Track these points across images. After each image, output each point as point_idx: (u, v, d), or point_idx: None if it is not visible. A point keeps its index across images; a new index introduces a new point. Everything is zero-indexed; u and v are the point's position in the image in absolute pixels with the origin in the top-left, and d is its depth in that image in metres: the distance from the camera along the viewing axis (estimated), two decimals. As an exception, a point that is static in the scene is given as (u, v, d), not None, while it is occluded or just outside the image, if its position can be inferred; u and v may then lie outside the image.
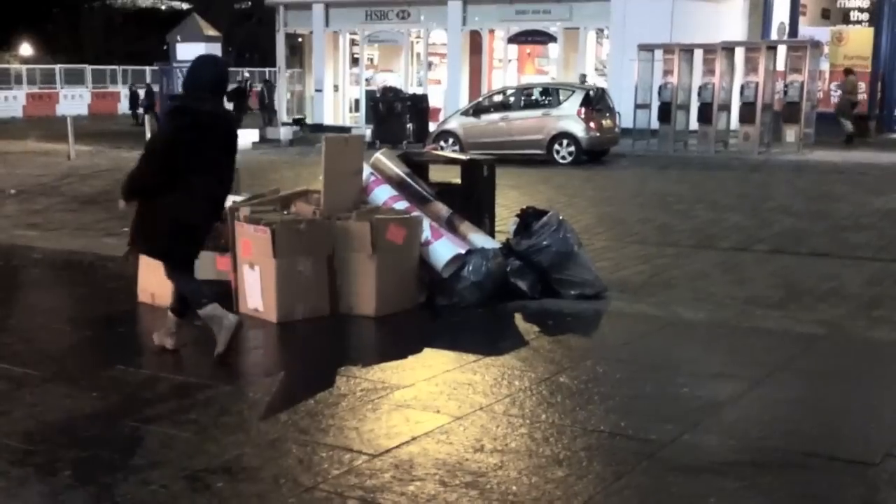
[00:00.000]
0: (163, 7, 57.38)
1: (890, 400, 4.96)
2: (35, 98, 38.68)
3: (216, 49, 24.79)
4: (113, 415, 4.61)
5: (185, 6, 51.90)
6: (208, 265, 6.57)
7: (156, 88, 29.11)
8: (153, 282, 6.64)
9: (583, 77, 24.18)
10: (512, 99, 20.06)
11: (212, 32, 24.83)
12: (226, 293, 6.47)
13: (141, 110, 32.48)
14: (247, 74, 37.02)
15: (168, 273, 5.61)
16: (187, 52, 24.35)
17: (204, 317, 5.50)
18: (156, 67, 30.24)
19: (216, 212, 5.67)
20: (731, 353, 5.80)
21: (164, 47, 25.86)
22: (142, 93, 33.83)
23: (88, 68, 41.82)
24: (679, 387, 5.07)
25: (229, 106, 29.27)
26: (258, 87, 31.83)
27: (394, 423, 4.49)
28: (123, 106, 39.79)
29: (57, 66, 41.41)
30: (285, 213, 6.81)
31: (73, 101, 38.87)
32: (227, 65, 5.98)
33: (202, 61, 5.62)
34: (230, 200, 6.96)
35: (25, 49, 49.49)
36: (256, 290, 6.34)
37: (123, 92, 41.04)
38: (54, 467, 3.95)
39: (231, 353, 5.55)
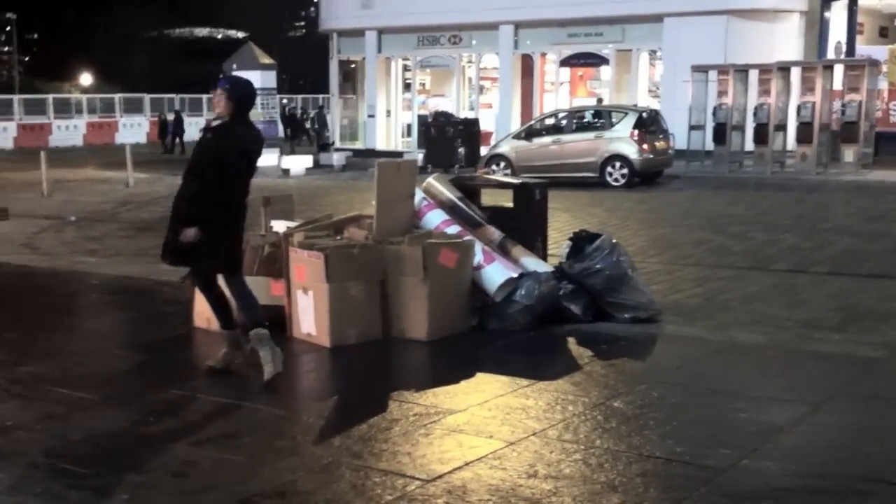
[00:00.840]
0: (219, 36, 58.50)
1: (956, 426, 4.82)
2: (95, 127, 39.56)
3: (271, 77, 25.20)
4: (168, 438, 4.66)
5: (240, 35, 52.86)
6: (262, 290, 6.63)
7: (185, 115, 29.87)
8: (208, 307, 6.71)
9: (599, 100, 24.14)
10: (564, 122, 20.03)
11: (267, 60, 25.21)
12: (279, 318, 6.53)
13: (170, 137, 33.05)
14: (285, 101, 37.47)
15: (233, 284, 5.73)
16: (243, 79, 24.77)
17: (256, 337, 5.57)
18: (212, 95, 30.76)
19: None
20: (788, 377, 5.69)
21: (220, 75, 26.32)
22: (170, 116, 34.41)
23: (147, 97, 42.70)
24: (736, 411, 4.98)
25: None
26: (310, 113, 32.18)
27: (446, 448, 4.47)
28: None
29: (116, 96, 42.33)
30: (338, 238, 6.86)
31: (132, 130, 39.70)
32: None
33: (246, 83, 5.85)
34: (284, 226, 7.06)
35: (86, 79, 50.72)
36: (310, 315, 6.38)
37: (186, 119, 41.89)
38: (111, 490, 4.00)
39: (284, 377, 5.58)
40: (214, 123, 5.73)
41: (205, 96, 40.44)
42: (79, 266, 9.79)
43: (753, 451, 4.36)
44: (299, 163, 23.15)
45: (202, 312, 6.82)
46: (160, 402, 5.23)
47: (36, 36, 62.41)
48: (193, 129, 38.09)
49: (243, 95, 5.73)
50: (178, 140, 32.73)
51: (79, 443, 4.60)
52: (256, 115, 25.03)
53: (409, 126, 29.03)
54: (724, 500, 3.87)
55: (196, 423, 4.91)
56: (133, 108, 42.05)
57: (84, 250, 10.93)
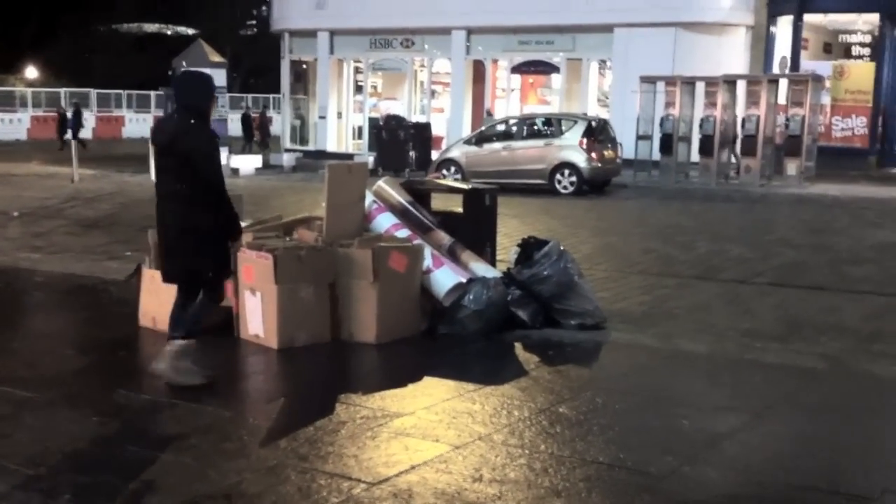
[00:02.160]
0: (169, 32, 57.78)
1: (890, 434, 4.96)
2: (39, 121, 38.86)
3: (222, 76, 24.96)
4: (114, 439, 4.62)
5: (190, 31, 52.28)
6: (210, 290, 6.59)
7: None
8: (154, 306, 6.66)
9: (488, 112, 24.48)
10: (514, 128, 20.17)
11: (217, 58, 24.97)
12: (227, 319, 6.49)
13: (70, 131, 30.95)
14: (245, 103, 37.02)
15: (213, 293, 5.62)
16: (193, 77, 24.51)
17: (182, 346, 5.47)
18: (161, 92, 30.40)
19: None
20: (731, 385, 5.80)
21: (170, 72, 26.01)
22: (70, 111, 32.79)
23: (93, 92, 42.04)
24: (679, 419, 5.07)
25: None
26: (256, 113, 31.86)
27: (393, 451, 4.49)
28: (128, 130, 39.99)
29: (62, 90, 41.62)
30: (287, 239, 6.84)
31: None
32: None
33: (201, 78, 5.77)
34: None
35: (31, 72, 49.78)
36: (258, 317, 6.35)
37: (128, 116, 41.25)
38: (56, 491, 3.95)
39: (232, 379, 5.55)
40: None
41: (153, 93, 39.90)
42: (22, 263, 9.62)
43: (695, 459, 4.44)
44: (249, 163, 22.98)
45: (148, 312, 6.77)
46: (107, 403, 5.17)
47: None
48: (142, 125, 37.64)
49: None
50: (73, 135, 30.44)
51: (24, 443, 4.53)
52: (206, 113, 24.88)
53: (360, 128, 28.99)
54: (665, 506, 3.94)
55: (142, 425, 4.87)
56: (79, 103, 41.35)
57: (28, 246, 10.74)
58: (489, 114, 25.50)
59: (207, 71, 25.01)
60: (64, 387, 5.50)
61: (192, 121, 5.43)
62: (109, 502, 3.86)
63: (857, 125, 24.29)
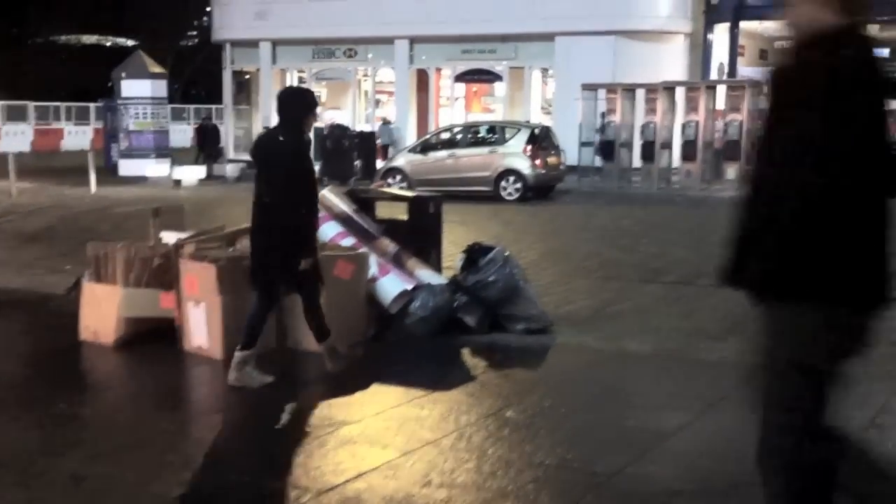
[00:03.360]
0: (108, 43, 56.94)
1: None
2: (-25, 135, 37.99)
3: (162, 86, 24.70)
4: (56, 452, 4.52)
5: (130, 43, 51.57)
6: (152, 302, 6.51)
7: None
8: (95, 319, 6.56)
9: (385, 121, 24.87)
10: (459, 136, 20.23)
11: (157, 69, 24.72)
12: (169, 331, 6.41)
13: None
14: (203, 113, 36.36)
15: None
16: (132, 88, 24.24)
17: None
18: (100, 104, 29.95)
19: None
20: (676, 384, 5.88)
21: (109, 84, 25.66)
22: None
23: (31, 105, 41.25)
24: (625, 418, 5.13)
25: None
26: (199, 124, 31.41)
27: (340, 459, 4.47)
28: (67, 143, 39.27)
29: (-2, 103, 40.78)
30: (231, 249, 6.78)
31: (16, 138, 38.21)
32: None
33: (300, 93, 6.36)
34: (174, 237, 6.94)
35: (-34, 85, 48.68)
36: (202, 327, 6.28)
37: (67, 128, 40.52)
38: (-7, 509, 3.87)
39: (176, 390, 5.48)
40: None
41: (92, 105, 39.24)
42: (-43, 278, 9.39)
43: (641, 457, 4.49)
44: (192, 173, 22.72)
45: (88, 325, 6.66)
46: (49, 416, 5.07)
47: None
48: (82, 138, 37.00)
49: None
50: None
51: (-42, 460, 4.43)
52: (146, 124, 24.61)
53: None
54: (614, 503, 3.98)
55: (86, 438, 4.79)
56: (16, 116, 40.55)
57: (-37, 262, 10.49)
58: (385, 122, 25.82)
59: (147, 81, 24.66)
60: (5, 400, 5.38)
61: (288, 135, 5.59)
62: (50, 518, 3.79)
63: (794, 129, 24.75)
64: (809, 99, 2.79)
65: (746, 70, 24.70)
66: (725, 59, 25.26)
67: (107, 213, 15.83)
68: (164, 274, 6.55)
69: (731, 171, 20.95)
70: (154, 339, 6.46)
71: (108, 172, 23.68)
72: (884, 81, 2.92)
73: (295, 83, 29.20)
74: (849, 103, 2.76)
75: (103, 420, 5.08)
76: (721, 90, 21.80)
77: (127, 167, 23.97)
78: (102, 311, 6.53)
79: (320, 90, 30.03)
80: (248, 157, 28.39)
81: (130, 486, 4.11)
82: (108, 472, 4.26)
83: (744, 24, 25.05)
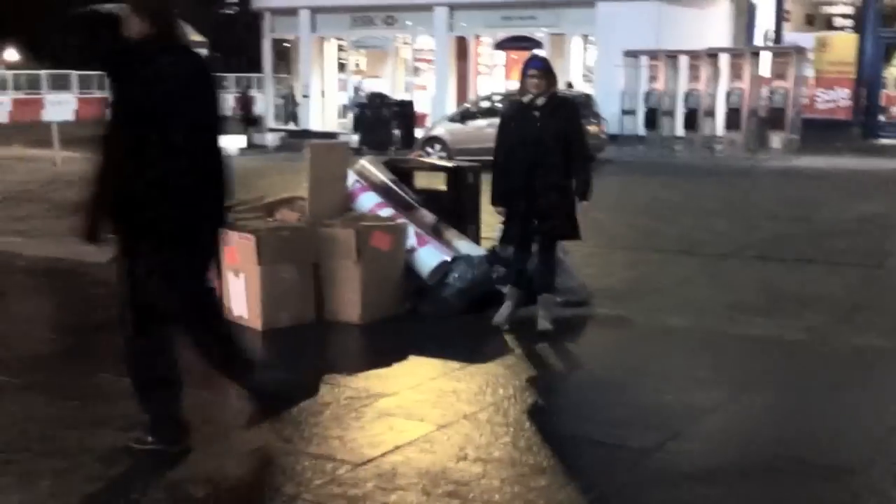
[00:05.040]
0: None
1: (873, 406, 4.97)
2: (20, 104, 38.45)
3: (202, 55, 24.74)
4: (95, 423, 4.58)
5: (171, 11, 51.68)
6: (192, 273, 6.54)
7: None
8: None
9: (569, 84, 24.26)
10: (499, 105, 20.08)
11: (198, 38, 24.81)
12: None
13: None
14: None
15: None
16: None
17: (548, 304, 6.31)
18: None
19: None
20: (715, 359, 5.82)
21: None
22: None
23: (74, 73, 41.61)
24: (663, 394, 5.08)
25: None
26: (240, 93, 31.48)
27: (377, 431, 4.48)
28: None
29: (42, 72, 41.18)
30: (270, 220, 6.79)
31: (60, 107, 38.55)
32: None
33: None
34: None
35: (11, 54, 49.25)
36: (241, 298, 6.32)
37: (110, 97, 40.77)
38: (34, 477, 3.93)
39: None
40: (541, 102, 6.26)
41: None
42: (4, 247, 9.53)
43: (679, 434, 4.45)
44: (232, 143, 22.81)
45: (130, 295, 6.71)
46: (88, 387, 5.14)
47: (-43, 9, 60.33)
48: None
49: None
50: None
51: (2, 427, 4.50)
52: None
53: (344, 107, 28.82)
54: (649, 482, 3.96)
55: (125, 409, 4.83)
56: (60, 84, 40.94)
57: (10, 230, 10.65)
58: (570, 84, 25.10)
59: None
60: (44, 370, 5.47)
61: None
62: (89, 486, 3.84)
63: (841, 97, 24.29)
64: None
65: (792, 36, 24.21)
66: (771, 25, 24.77)
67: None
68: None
69: (777, 139, 20.64)
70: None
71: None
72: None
73: (334, 51, 29.18)
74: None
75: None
76: (766, 57, 21.43)
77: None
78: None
79: (359, 58, 29.99)
80: (287, 126, 28.58)
81: (168, 455, 4.15)
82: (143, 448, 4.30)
83: (790, -10, 24.55)
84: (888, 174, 17.13)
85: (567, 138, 6.20)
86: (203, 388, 5.18)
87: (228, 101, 29.23)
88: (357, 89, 26.72)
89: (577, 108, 6.64)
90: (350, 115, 25.33)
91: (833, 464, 4.12)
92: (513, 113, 6.46)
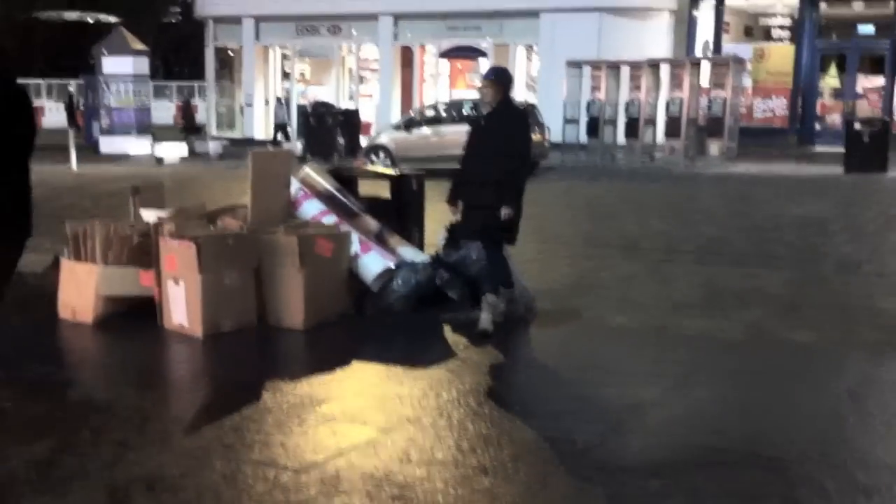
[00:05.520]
0: (90, 19, 56.35)
1: (808, 399, 5.08)
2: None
3: (144, 63, 24.47)
4: (33, 430, 4.49)
5: (112, 19, 51.05)
6: (131, 280, 6.48)
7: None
8: (74, 297, 6.52)
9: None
10: (444, 113, 20.16)
11: (139, 46, 24.50)
12: (149, 309, 6.38)
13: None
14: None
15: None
16: (114, 65, 24.02)
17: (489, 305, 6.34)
18: (81, 81, 29.65)
19: None
20: (657, 355, 5.90)
21: (91, 60, 25.40)
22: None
23: (11, 82, 40.74)
24: (606, 388, 5.15)
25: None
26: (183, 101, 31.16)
27: (320, 437, 4.46)
28: (48, 120, 38.87)
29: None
30: (211, 227, 6.73)
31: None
32: None
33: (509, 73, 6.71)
34: (155, 216, 6.89)
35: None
36: (181, 306, 6.25)
37: (48, 105, 40.10)
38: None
39: (155, 368, 5.46)
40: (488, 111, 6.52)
41: (73, 81, 38.83)
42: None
43: (620, 427, 4.52)
44: (173, 151, 22.58)
45: (67, 303, 6.62)
46: (25, 392, 5.04)
47: None
48: (61, 115, 36.53)
49: (509, 80, 6.55)
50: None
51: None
52: (128, 101, 24.39)
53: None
54: (591, 474, 4.00)
55: (63, 414, 4.76)
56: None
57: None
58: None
59: (129, 58, 24.42)
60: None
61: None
62: (27, 488, 3.77)
63: (778, 106, 24.80)
64: None
65: (731, 47, 24.66)
66: (710, 36, 25.21)
67: (87, 191, 15.73)
68: (143, 252, 6.50)
69: (715, 147, 21.00)
70: (133, 317, 6.42)
71: (90, 150, 23.51)
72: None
73: (278, 60, 29.03)
74: None
75: (82, 397, 5.06)
76: (705, 67, 21.80)
77: (108, 145, 23.81)
78: (81, 290, 6.49)
79: (304, 67, 29.86)
80: (229, 135, 28.37)
81: (109, 461, 4.09)
82: (86, 448, 4.24)
83: (729, 1, 25.00)
84: (822, 179, 17.54)
85: (507, 145, 6.31)
86: (144, 390, 5.13)
87: (170, 110, 28.98)
88: (280, 100, 26.74)
89: (522, 116, 6.66)
90: (272, 127, 25.89)
91: (772, 455, 4.21)
92: (473, 121, 6.66)
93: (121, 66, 23.97)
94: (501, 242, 6.49)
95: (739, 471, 4.08)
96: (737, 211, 13.02)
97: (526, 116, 6.68)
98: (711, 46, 25.12)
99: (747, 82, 24.17)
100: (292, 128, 26.40)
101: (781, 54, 24.93)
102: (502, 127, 6.36)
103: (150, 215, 6.92)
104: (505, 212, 6.20)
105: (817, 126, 24.67)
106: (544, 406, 4.91)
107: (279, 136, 25.12)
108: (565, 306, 7.12)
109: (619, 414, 4.72)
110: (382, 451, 4.26)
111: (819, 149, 23.33)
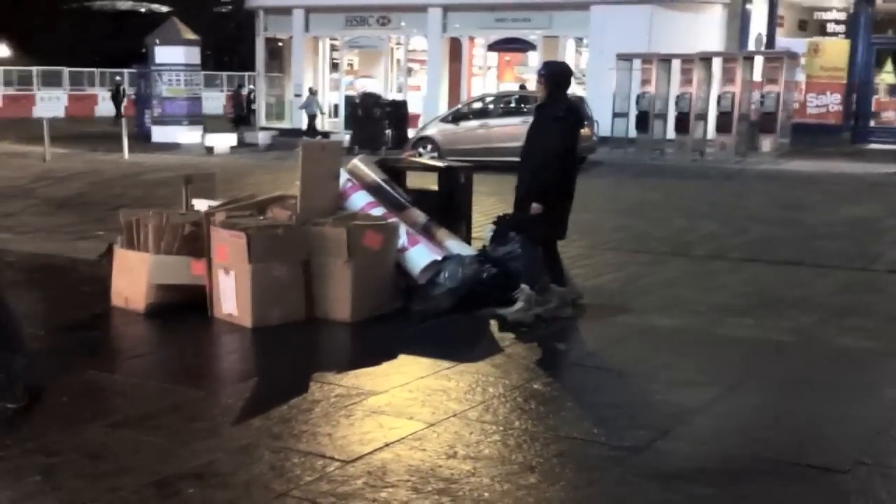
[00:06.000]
0: (142, 9, 57.10)
1: (859, 407, 5.00)
2: (11, 100, 38.34)
3: (195, 53, 24.74)
4: (83, 420, 4.57)
5: (164, 9, 51.66)
6: (183, 269, 6.56)
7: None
8: (126, 285, 6.62)
9: (521, 86, 24.40)
10: (491, 106, 20.11)
11: (191, 36, 24.75)
12: (200, 298, 6.46)
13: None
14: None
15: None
16: (165, 55, 24.31)
17: (524, 297, 6.43)
18: (134, 70, 30.06)
19: None
20: (703, 360, 5.84)
21: (143, 50, 25.73)
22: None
23: (66, 70, 41.50)
24: (652, 394, 5.10)
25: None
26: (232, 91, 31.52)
27: (367, 429, 4.49)
28: (101, 108, 39.48)
29: (33, 68, 41.05)
30: (261, 218, 6.80)
31: (50, 103, 38.54)
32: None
33: (562, 69, 6.71)
34: (206, 205, 6.97)
35: (2, 50, 49.10)
36: (231, 296, 6.32)
37: (101, 94, 40.69)
38: (22, 473, 3.92)
39: (204, 358, 5.52)
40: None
41: (126, 71, 39.40)
42: (-8, 243, 9.51)
43: (667, 433, 4.47)
44: (223, 141, 22.80)
45: (120, 291, 6.72)
46: (76, 384, 5.13)
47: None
48: (110, 104, 37.09)
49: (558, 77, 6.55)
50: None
51: (-10, 423, 4.50)
52: (179, 91, 24.68)
53: (336, 106, 28.81)
54: (637, 480, 3.97)
55: (113, 405, 4.84)
56: (51, 81, 40.83)
57: (-2, 227, 10.63)
58: (523, 87, 25.14)
59: (181, 48, 24.72)
60: (33, 367, 5.44)
61: None
62: (78, 482, 3.84)
63: (832, 102, 24.42)
64: None
65: (785, 41, 24.30)
66: (764, 30, 24.85)
67: (139, 179, 15.95)
68: (195, 241, 6.58)
69: (767, 143, 20.71)
70: (185, 306, 6.50)
71: (141, 139, 23.83)
72: None
73: (327, 51, 29.15)
74: None
75: (132, 387, 5.13)
76: (758, 61, 21.49)
77: (159, 134, 24.12)
78: (134, 278, 6.59)
79: (353, 58, 29.97)
80: (278, 125, 28.64)
81: (157, 452, 4.15)
82: (134, 439, 4.30)
83: (783, -6, 24.65)
84: (877, 178, 17.21)
85: (534, 143, 6.49)
86: (193, 379, 5.20)
87: (220, 100, 29.26)
88: (312, 91, 26.85)
89: (556, 116, 6.49)
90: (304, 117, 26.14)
91: (821, 464, 4.14)
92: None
93: (172, 56, 24.24)
94: (535, 238, 6.60)
95: (789, 481, 4.02)
96: (788, 210, 12.84)
97: (562, 116, 6.49)
98: (765, 40, 24.78)
99: (801, 77, 23.81)
100: (320, 118, 26.60)
101: (836, 49, 24.52)
102: (536, 124, 6.53)
103: (201, 204, 7.00)
104: (534, 207, 6.36)
105: (872, 123, 24.23)
106: (590, 406, 4.89)
107: (316, 126, 25.28)
108: (613, 305, 7.08)
109: (666, 418, 4.68)
110: (428, 445, 4.28)
111: (874, 146, 22.92)
